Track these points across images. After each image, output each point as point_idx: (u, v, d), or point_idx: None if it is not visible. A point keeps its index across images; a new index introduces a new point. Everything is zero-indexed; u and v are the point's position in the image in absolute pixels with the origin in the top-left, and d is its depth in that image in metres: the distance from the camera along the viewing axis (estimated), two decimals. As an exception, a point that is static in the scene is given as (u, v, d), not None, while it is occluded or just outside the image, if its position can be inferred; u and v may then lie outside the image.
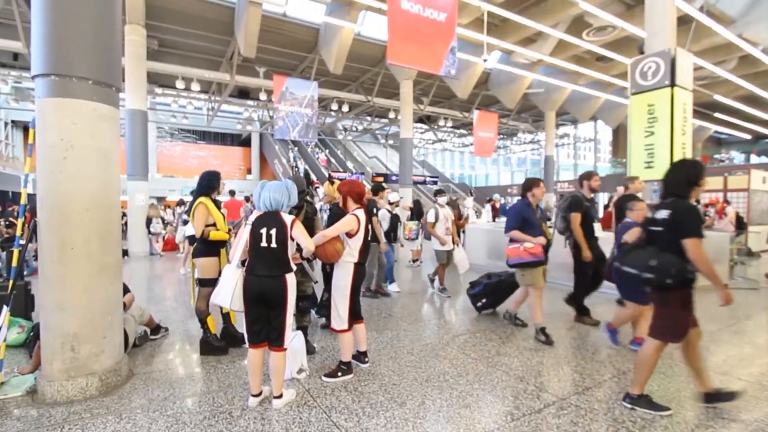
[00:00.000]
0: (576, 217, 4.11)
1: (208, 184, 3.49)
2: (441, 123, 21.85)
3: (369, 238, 3.00)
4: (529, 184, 3.92)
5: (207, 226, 3.36)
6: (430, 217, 5.50)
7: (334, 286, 2.94)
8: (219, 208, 3.54)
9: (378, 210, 5.66)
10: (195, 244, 7.37)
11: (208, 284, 3.31)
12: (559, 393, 2.71)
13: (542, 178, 20.21)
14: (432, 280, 5.92)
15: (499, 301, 4.70)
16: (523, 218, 3.83)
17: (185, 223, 7.11)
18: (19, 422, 2.37)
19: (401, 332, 4.04)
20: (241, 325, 3.08)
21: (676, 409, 2.48)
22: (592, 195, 4.37)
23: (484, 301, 4.67)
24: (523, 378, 2.95)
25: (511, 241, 3.88)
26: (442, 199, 5.72)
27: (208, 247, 3.39)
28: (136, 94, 10.07)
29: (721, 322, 4.21)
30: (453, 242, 5.60)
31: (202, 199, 3.40)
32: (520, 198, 4.06)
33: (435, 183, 25.71)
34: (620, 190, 5.35)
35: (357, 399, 2.62)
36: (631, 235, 3.03)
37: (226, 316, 3.64)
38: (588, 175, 4.37)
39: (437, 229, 5.45)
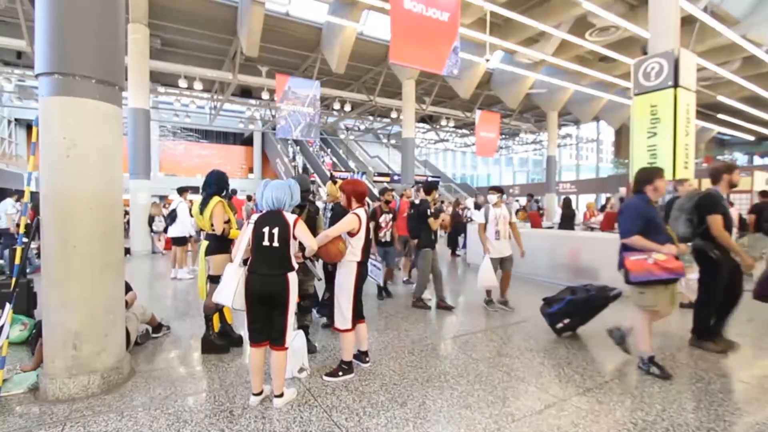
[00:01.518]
0: (716, 220, 3.28)
1: (222, 183, 3.53)
2: (443, 123, 21.82)
3: (370, 237, 2.99)
4: (650, 176, 2.97)
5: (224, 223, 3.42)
6: (479, 218, 4.86)
7: (338, 285, 2.95)
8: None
9: (430, 211, 4.94)
10: (183, 245, 7.33)
11: (219, 281, 3.34)
12: (560, 394, 2.71)
13: (544, 178, 20.35)
14: (489, 301, 5.00)
15: (585, 321, 3.92)
16: (646, 219, 2.91)
17: (173, 220, 7.01)
18: (21, 419, 2.39)
19: (402, 332, 4.04)
20: (238, 325, 3.12)
21: (677, 410, 2.47)
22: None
23: (567, 321, 3.86)
24: (524, 379, 2.95)
25: (626, 248, 2.97)
26: (493, 197, 4.83)
27: (221, 244, 3.42)
28: (138, 93, 10.11)
29: (723, 324, 4.18)
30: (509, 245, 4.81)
31: (217, 198, 3.44)
32: (635, 193, 3.09)
33: (437, 183, 25.73)
34: (622, 191, 5.23)
35: (358, 398, 2.63)
36: None
37: (222, 316, 3.64)
38: (729, 168, 3.49)
39: (487, 232, 4.79)
